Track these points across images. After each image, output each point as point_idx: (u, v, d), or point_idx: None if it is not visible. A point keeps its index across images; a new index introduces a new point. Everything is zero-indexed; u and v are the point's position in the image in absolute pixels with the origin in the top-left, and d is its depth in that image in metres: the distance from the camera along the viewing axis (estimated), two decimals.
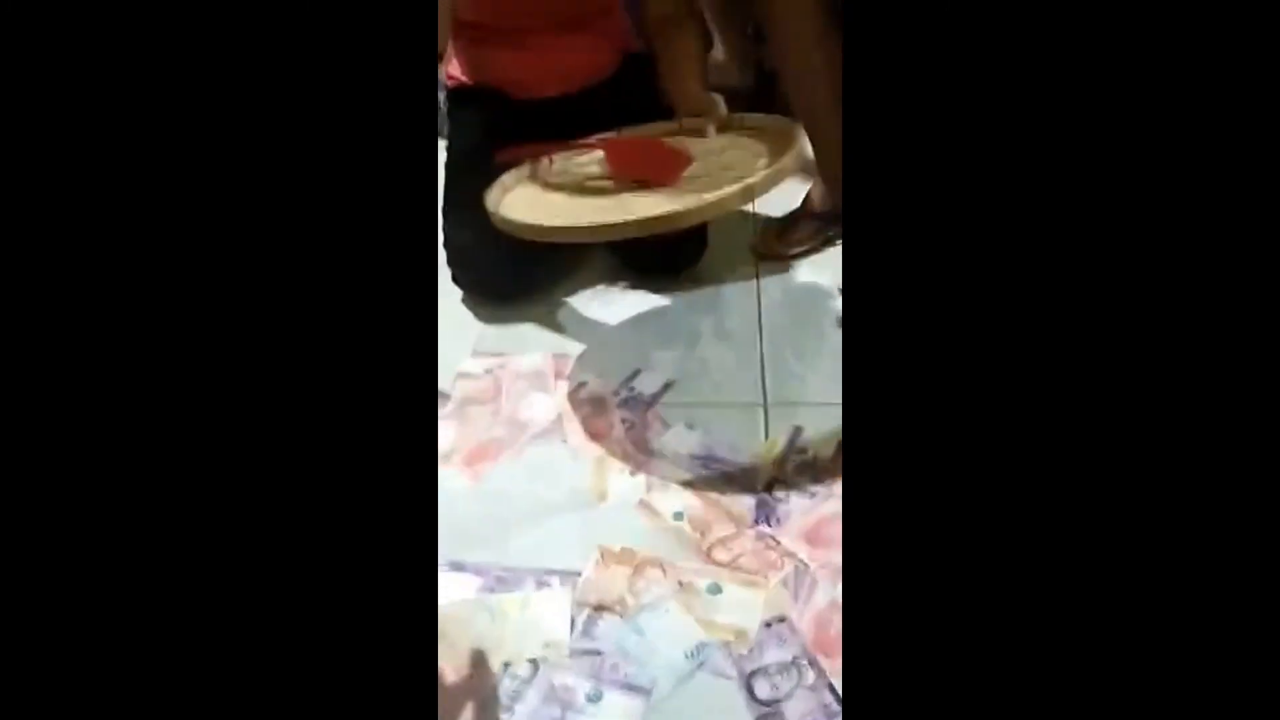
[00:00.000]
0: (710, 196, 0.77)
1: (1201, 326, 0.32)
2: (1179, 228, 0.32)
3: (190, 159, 0.34)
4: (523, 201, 0.91)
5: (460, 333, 1.10)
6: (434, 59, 1.01)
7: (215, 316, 0.34)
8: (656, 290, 1.16)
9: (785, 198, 1.18)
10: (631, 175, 0.90)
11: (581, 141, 0.99)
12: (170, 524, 0.33)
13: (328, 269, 0.34)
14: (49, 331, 0.32)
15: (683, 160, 0.90)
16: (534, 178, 0.97)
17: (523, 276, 1.11)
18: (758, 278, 1.17)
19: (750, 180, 0.77)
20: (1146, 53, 0.33)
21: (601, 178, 0.94)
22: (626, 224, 0.77)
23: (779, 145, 0.88)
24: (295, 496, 0.34)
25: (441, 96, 1.29)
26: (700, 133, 0.98)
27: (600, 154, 0.96)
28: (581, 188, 0.93)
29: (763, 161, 0.86)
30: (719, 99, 1.01)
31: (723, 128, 0.98)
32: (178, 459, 0.33)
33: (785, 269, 1.18)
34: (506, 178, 0.95)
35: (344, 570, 0.34)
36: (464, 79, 1.20)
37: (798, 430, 0.87)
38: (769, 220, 1.23)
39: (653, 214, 0.76)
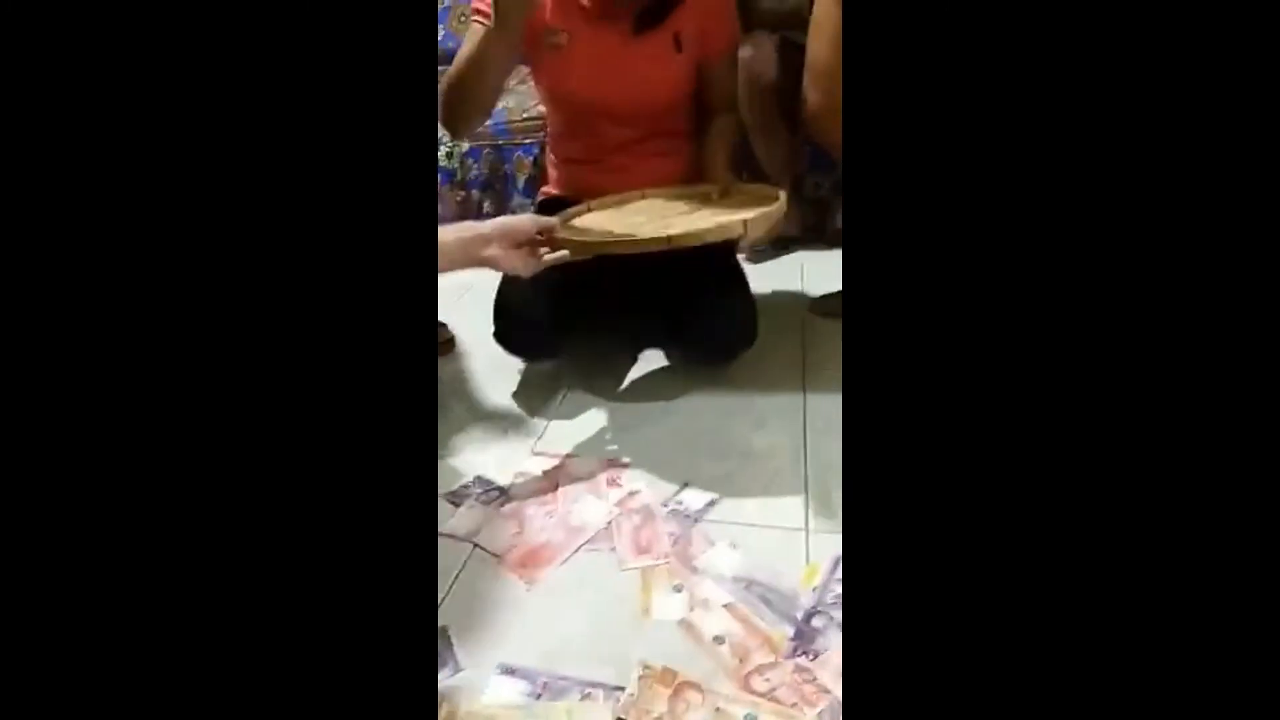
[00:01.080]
0: (711, 224, 1.08)
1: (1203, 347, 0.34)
2: (1179, 228, 0.34)
3: (189, 157, 0.37)
4: (584, 223, 1.23)
5: (521, 429, 1.17)
6: (433, 61, 1.20)
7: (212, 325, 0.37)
8: (710, 383, 1.23)
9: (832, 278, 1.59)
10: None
11: (631, 193, 1.31)
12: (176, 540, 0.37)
13: (328, 279, 0.38)
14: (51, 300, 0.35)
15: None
16: (593, 210, 1.30)
17: (562, 332, 1.30)
18: (804, 396, 1.22)
19: (743, 217, 1.07)
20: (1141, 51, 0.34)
21: (642, 213, 1.24)
22: (651, 240, 1.06)
23: (764, 202, 1.18)
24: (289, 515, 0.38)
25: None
26: (711, 195, 1.28)
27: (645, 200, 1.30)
28: (627, 219, 1.23)
29: (752, 211, 1.13)
30: (729, 176, 1.29)
31: (724, 193, 1.26)
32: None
33: (835, 390, 1.23)
34: (577, 208, 1.27)
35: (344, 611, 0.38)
36: (554, 192, 1.41)
37: (838, 560, 0.90)
38: (817, 297, 1.56)
39: (671, 233, 1.07)
